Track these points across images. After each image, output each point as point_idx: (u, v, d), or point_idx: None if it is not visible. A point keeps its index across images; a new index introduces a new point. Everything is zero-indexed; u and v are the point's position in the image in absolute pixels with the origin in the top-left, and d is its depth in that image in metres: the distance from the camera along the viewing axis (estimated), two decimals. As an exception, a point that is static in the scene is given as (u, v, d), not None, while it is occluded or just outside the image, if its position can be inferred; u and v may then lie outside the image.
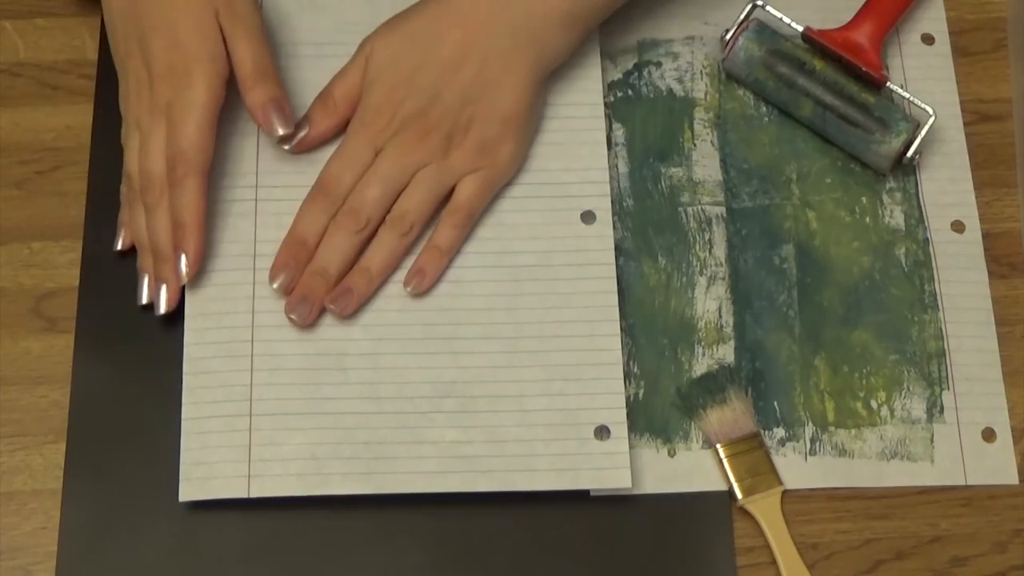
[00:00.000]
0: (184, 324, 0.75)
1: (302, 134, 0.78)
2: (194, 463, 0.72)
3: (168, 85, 0.74)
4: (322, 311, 0.75)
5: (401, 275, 0.77)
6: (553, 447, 0.73)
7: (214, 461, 0.72)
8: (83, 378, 0.76)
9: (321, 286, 0.75)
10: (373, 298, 0.76)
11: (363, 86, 0.78)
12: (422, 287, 0.76)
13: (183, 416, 0.73)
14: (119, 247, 0.78)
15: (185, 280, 0.74)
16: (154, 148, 0.74)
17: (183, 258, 0.74)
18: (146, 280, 0.76)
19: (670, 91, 0.84)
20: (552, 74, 0.80)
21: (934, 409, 0.77)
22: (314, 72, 0.81)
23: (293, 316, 0.75)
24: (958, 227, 0.81)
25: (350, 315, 0.75)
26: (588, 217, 0.78)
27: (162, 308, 0.75)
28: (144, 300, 0.76)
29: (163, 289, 0.75)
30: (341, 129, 0.78)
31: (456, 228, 0.77)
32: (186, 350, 0.75)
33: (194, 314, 0.75)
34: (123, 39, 0.76)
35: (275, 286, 0.75)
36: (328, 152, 0.78)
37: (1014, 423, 0.77)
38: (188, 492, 0.72)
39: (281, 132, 0.76)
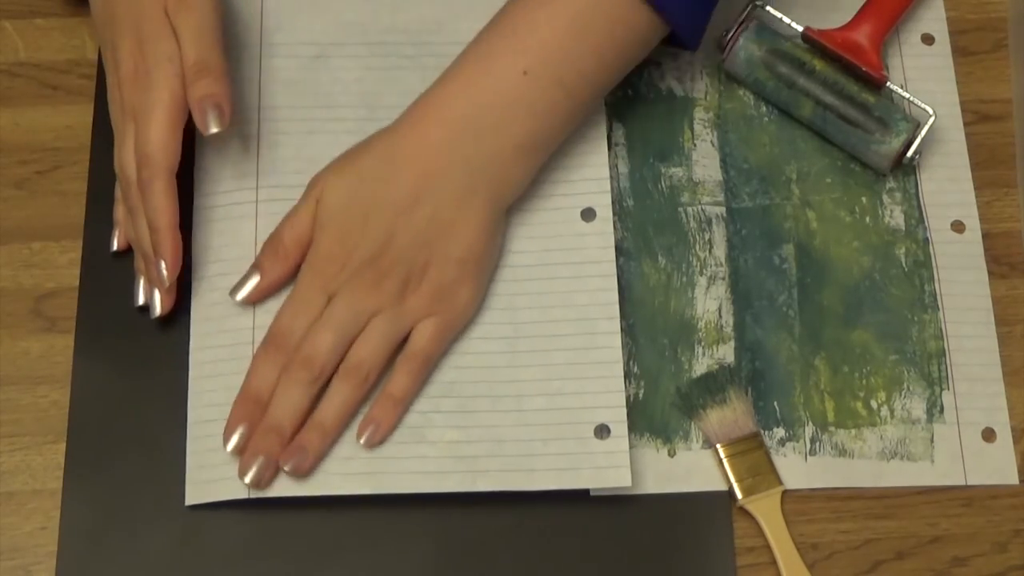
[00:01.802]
0: (190, 328, 0.75)
1: (253, 283, 0.74)
2: (199, 466, 0.73)
3: (132, 88, 0.73)
4: (278, 470, 0.72)
5: None
6: (553, 447, 0.73)
7: (217, 463, 0.72)
8: (83, 378, 0.76)
9: (275, 444, 0.71)
10: None
11: (314, 229, 0.74)
12: (375, 439, 0.72)
13: (189, 420, 0.73)
14: (115, 248, 0.78)
15: (167, 284, 0.73)
16: (126, 152, 0.73)
17: (162, 264, 0.72)
18: (141, 281, 0.76)
19: (670, 91, 0.84)
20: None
21: (934, 409, 0.77)
22: (314, 72, 0.81)
23: (247, 479, 0.71)
24: (958, 227, 0.81)
25: (306, 473, 0.71)
26: (588, 214, 0.78)
27: (156, 311, 0.75)
28: (140, 301, 0.76)
29: (155, 292, 0.75)
30: (293, 274, 0.75)
31: (412, 375, 0.73)
32: (192, 355, 0.75)
33: (199, 319, 0.75)
34: (103, 45, 0.76)
35: (229, 449, 0.71)
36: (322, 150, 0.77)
37: (1014, 423, 0.77)
38: (194, 496, 0.72)
39: (214, 129, 0.72)
